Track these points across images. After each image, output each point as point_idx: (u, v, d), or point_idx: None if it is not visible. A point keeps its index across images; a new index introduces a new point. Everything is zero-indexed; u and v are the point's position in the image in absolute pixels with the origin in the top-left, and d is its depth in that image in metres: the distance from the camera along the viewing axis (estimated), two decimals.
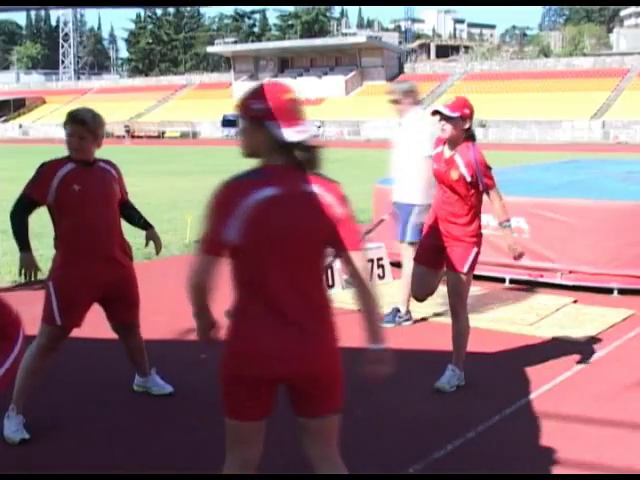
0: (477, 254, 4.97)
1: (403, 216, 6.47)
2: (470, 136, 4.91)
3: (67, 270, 4.26)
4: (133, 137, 61.30)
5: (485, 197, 4.96)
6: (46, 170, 4.26)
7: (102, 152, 4.40)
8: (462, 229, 4.91)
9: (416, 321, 6.53)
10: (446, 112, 4.76)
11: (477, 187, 4.86)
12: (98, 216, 4.28)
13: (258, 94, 2.62)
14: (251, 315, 2.60)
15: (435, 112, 4.84)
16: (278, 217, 2.57)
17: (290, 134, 2.58)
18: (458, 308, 5.03)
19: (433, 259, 5.08)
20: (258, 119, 2.59)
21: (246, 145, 2.68)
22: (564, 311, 6.93)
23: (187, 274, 2.58)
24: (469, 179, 4.81)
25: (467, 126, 4.85)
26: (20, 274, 4.30)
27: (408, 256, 6.19)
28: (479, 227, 4.98)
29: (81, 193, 4.21)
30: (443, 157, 4.96)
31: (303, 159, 2.61)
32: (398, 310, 6.48)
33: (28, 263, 4.23)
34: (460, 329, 5.03)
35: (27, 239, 4.24)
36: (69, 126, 4.27)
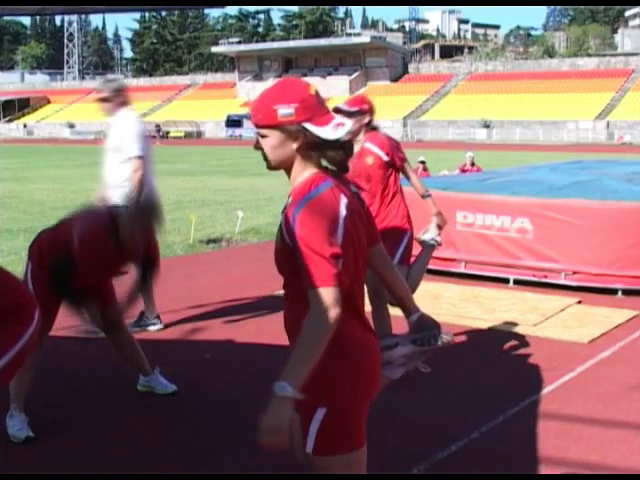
0: (410, 238, 5.13)
1: None
2: (373, 128, 5.17)
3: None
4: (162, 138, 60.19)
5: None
6: None
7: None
8: (390, 211, 5.06)
9: None
10: (345, 108, 5.00)
11: (393, 166, 5.08)
12: None
13: (282, 96, 2.28)
14: (356, 328, 2.36)
15: (335, 110, 4.97)
16: (356, 226, 2.33)
17: (329, 132, 2.28)
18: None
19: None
20: (290, 124, 2.26)
21: (275, 157, 2.32)
22: (568, 312, 6.92)
23: (319, 310, 2.17)
24: (386, 158, 5.05)
25: (367, 120, 5.11)
26: None
27: None
28: (405, 207, 5.16)
29: None
30: (354, 154, 5.02)
31: (337, 159, 2.35)
32: (143, 313, 6.31)
33: None
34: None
35: None
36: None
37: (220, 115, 71.90)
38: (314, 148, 2.30)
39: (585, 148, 42.17)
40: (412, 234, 5.15)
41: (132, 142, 5.93)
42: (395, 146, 5.13)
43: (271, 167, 2.37)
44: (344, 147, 2.35)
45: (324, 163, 2.38)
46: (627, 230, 7.54)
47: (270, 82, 78.35)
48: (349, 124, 2.31)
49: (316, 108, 2.29)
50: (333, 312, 2.18)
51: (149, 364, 4.87)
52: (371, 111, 5.12)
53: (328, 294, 2.18)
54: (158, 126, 63.44)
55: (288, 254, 2.27)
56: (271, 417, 2.15)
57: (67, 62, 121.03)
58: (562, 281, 7.75)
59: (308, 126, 2.26)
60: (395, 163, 5.07)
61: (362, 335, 2.38)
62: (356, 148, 5.01)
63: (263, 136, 2.31)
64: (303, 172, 2.33)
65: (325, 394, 2.29)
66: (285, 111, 2.25)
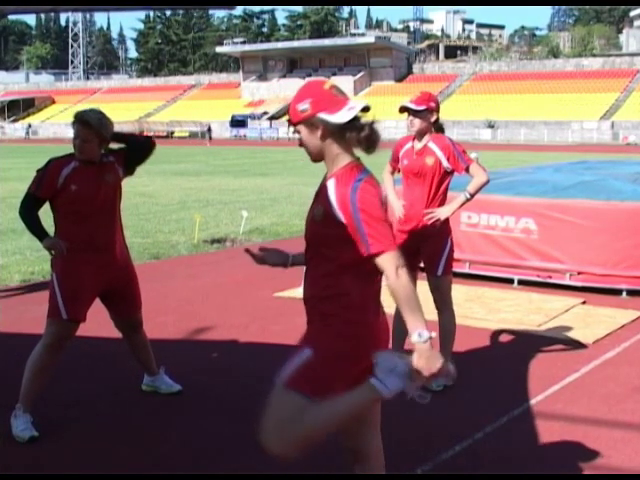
0: (452, 246, 5.03)
1: None
2: (439, 129, 5.02)
3: (69, 262, 4.28)
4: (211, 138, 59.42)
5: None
6: (52, 169, 4.30)
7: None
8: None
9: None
10: (412, 107, 4.88)
11: (451, 173, 4.95)
12: (96, 214, 4.31)
13: (299, 96, 2.68)
14: (368, 304, 2.70)
15: (402, 108, 4.93)
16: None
17: (342, 115, 2.60)
18: (441, 305, 5.04)
19: (411, 263, 5.05)
20: (309, 117, 2.63)
21: (310, 149, 2.71)
22: (573, 312, 6.91)
23: (394, 271, 2.52)
24: (446, 164, 4.90)
25: (434, 119, 4.95)
26: (51, 254, 4.32)
27: None
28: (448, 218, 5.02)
29: (77, 193, 4.25)
30: (414, 151, 5.00)
31: (363, 137, 2.64)
32: None
33: (52, 243, 4.25)
34: (445, 325, 5.02)
35: (43, 228, 4.29)
36: (75, 127, 4.29)
37: (224, 115, 71.91)
38: (335, 134, 2.63)
39: (590, 148, 42.12)
40: (452, 241, 5.05)
41: None
42: (460, 152, 4.92)
43: (313, 159, 2.75)
44: (364, 127, 2.63)
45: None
46: (632, 230, 7.53)
47: (274, 82, 78.59)
48: (359, 106, 2.61)
49: (330, 99, 2.63)
50: (404, 270, 2.51)
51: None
52: (437, 109, 4.98)
53: (396, 256, 2.53)
54: (209, 127, 62.93)
55: (333, 227, 2.59)
56: (429, 359, 2.47)
57: (72, 62, 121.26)
58: (566, 281, 7.74)
59: (323, 115, 2.61)
60: (455, 171, 4.94)
61: (369, 314, 2.68)
62: (419, 146, 4.99)
63: (298, 132, 2.70)
64: (337, 158, 2.68)
65: (318, 340, 2.64)
66: (302, 107, 2.65)
